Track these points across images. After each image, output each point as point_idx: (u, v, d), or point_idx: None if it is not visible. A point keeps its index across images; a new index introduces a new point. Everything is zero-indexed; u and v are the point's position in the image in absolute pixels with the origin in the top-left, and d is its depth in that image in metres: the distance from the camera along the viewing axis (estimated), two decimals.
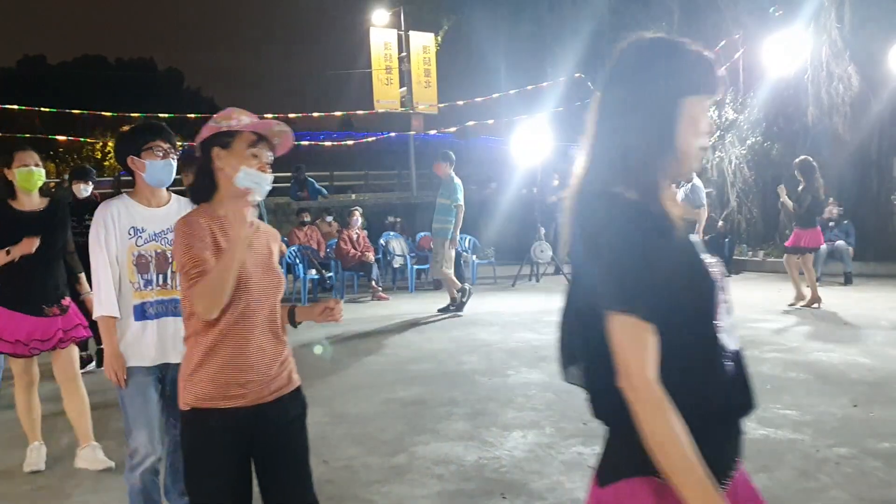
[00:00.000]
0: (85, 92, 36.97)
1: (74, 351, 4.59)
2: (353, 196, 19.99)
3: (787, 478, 4.01)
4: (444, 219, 9.67)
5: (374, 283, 11.53)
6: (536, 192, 13.65)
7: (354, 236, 11.83)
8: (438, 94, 21.02)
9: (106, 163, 39.75)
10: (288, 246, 12.02)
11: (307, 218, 12.91)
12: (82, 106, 22.92)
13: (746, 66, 15.07)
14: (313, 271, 11.77)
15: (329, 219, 13.94)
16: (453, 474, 4.17)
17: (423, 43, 20.51)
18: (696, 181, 10.59)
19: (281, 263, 11.74)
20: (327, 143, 21.57)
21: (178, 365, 2.85)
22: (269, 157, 2.44)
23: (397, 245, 12.84)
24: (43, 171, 4.40)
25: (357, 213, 12.07)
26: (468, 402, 5.61)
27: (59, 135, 21.39)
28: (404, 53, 20.20)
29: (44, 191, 4.56)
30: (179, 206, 3.30)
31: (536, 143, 13.04)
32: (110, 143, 37.46)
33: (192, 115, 24.00)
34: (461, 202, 9.60)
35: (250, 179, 2.36)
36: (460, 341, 7.79)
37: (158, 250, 3.24)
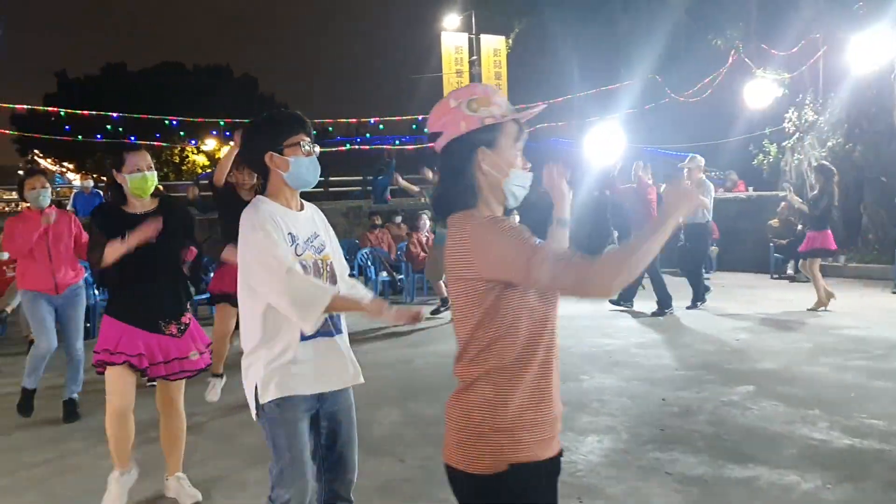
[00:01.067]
0: (163, 97, 38.19)
1: (182, 384, 4.01)
2: (423, 199, 20.12)
3: (874, 489, 3.90)
4: None
5: (444, 286, 11.59)
6: (609, 194, 13.51)
7: (424, 239, 11.92)
8: (509, 97, 21.02)
9: (184, 167, 41.07)
10: (359, 248, 12.24)
11: (378, 221, 13.11)
12: (161, 111, 23.72)
13: (827, 65, 14.63)
14: (385, 273, 11.93)
15: (398, 220, 14.10)
16: None
17: (494, 46, 20.57)
18: (706, 182, 10.35)
19: (352, 266, 11.95)
20: (404, 147, 21.82)
21: (338, 394, 2.78)
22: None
23: None
24: (155, 174, 3.89)
25: (425, 216, 12.16)
26: None
27: (141, 140, 22.13)
28: (475, 57, 20.27)
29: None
30: (313, 211, 2.91)
31: (609, 144, 12.93)
32: (188, 148, 38.74)
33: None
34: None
35: (518, 182, 2.00)
36: None
37: (315, 260, 2.76)
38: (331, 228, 2.93)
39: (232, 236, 4.89)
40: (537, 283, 1.83)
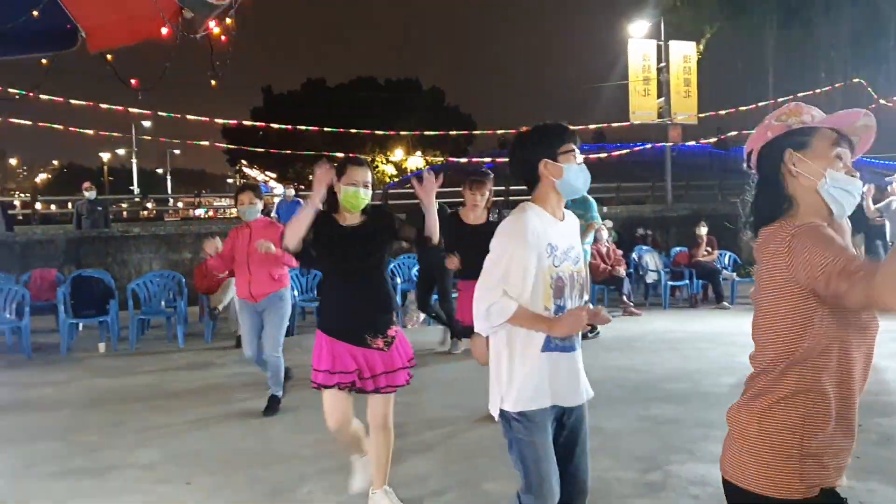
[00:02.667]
0: (358, 111, 40.19)
1: (391, 398, 3.97)
2: (605, 209, 19.89)
3: None
4: None
5: (625, 297, 11.40)
6: None
7: (604, 250, 11.79)
8: (698, 104, 20.36)
9: (373, 176, 43.05)
10: None
11: None
12: (355, 123, 25.04)
13: None
14: None
15: None
16: (710, 496, 4.07)
17: (684, 52, 19.99)
18: None
19: None
20: (587, 156, 21.71)
21: (575, 407, 2.87)
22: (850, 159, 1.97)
23: (651, 259, 12.59)
24: (369, 193, 3.88)
25: (604, 227, 12.00)
26: (725, 424, 5.41)
27: (336, 151, 23.45)
28: (663, 64, 19.79)
29: None
30: (571, 218, 2.95)
31: None
32: (378, 158, 40.56)
33: (454, 132, 25.31)
34: (598, 220, 9.20)
35: (838, 186, 1.91)
36: (718, 362, 7.53)
37: (571, 272, 2.82)
38: (578, 240, 2.98)
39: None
40: (835, 294, 1.73)
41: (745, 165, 2.07)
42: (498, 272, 2.70)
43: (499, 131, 24.23)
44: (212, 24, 3.18)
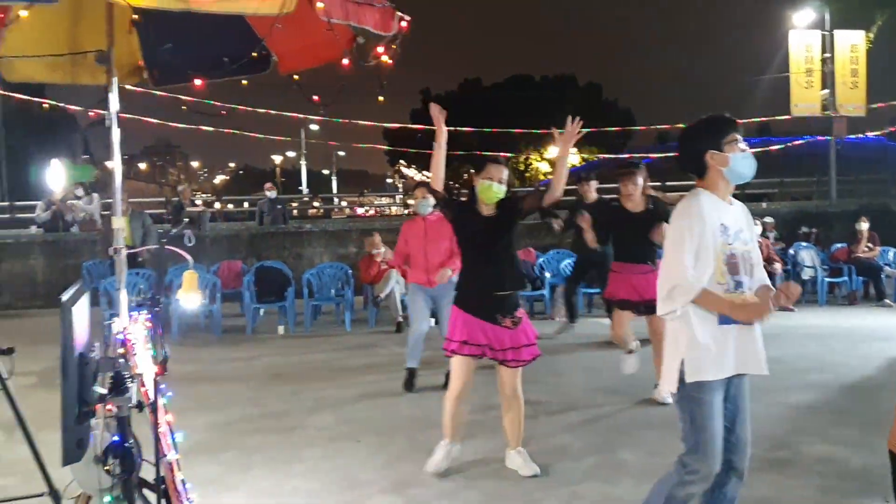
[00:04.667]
0: (514, 109, 40.61)
1: (518, 372, 4.46)
2: (765, 205, 19.34)
3: None
4: None
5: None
6: None
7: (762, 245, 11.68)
8: (869, 95, 19.32)
9: (527, 174, 43.40)
10: None
11: None
12: (511, 122, 25.53)
13: None
14: None
15: None
16: (834, 473, 4.30)
17: (851, 41, 19.03)
18: None
19: None
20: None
21: (740, 378, 3.11)
22: None
23: (807, 256, 12.31)
24: (504, 189, 4.32)
25: (758, 222, 11.84)
26: (863, 412, 5.53)
27: (490, 150, 24.03)
28: (828, 54, 18.97)
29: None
30: (741, 206, 3.18)
31: None
32: (533, 156, 40.89)
33: (613, 129, 25.23)
34: None
35: None
36: (868, 357, 7.48)
37: (743, 251, 3.06)
38: (752, 225, 3.28)
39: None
40: None
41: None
42: (679, 253, 2.96)
43: (655, 126, 23.99)
44: (380, 48, 3.80)
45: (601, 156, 33.76)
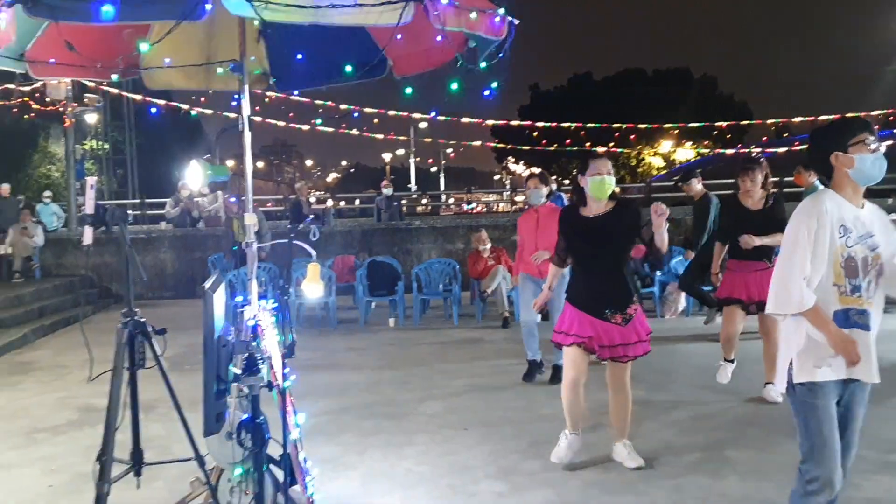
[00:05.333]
0: (625, 104, 39.96)
1: (627, 366, 4.57)
2: (890, 201, 18.35)
3: None
4: None
5: None
6: None
7: None
8: None
9: (640, 169, 42.64)
10: None
11: None
12: (622, 116, 25.19)
13: None
14: None
15: None
16: None
17: None
18: None
19: None
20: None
21: (857, 384, 3.01)
22: None
23: None
24: (613, 180, 4.44)
25: None
26: None
27: (599, 146, 23.80)
28: None
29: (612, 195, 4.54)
30: (874, 209, 3.08)
31: None
32: (645, 151, 40.13)
33: (723, 123, 24.51)
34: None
35: None
36: None
37: (865, 255, 2.97)
38: (892, 230, 3.09)
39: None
40: None
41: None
42: (796, 256, 2.92)
43: (771, 120, 23.16)
44: (490, 52, 3.96)
45: (715, 151, 32.80)
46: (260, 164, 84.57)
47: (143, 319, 3.17)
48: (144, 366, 3.13)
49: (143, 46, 3.59)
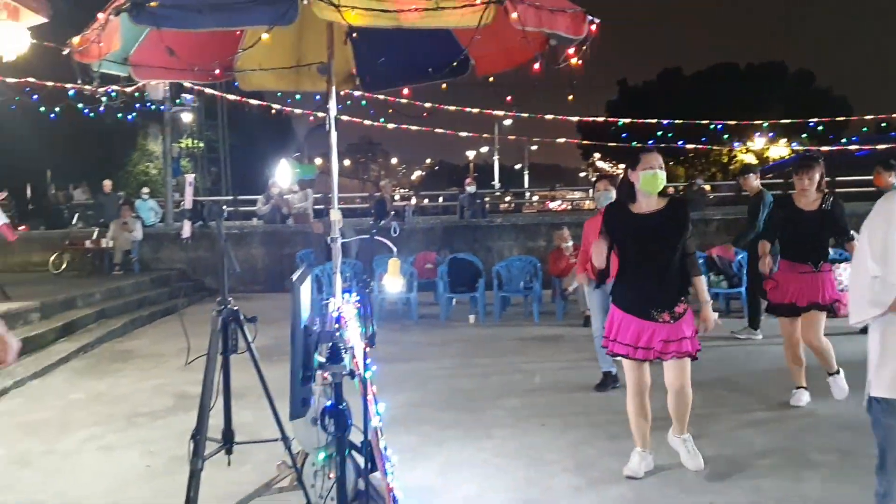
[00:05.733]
0: (717, 99, 38.99)
1: (685, 362, 4.37)
2: None
3: None
4: None
5: None
6: None
7: None
8: None
9: (731, 167, 41.52)
10: None
11: None
12: (712, 112, 24.60)
13: None
14: None
15: None
16: None
17: None
18: None
19: None
20: None
21: None
22: None
23: None
24: (664, 175, 4.31)
25: None
26: None
27: (688, 143, 23.33)
28: None
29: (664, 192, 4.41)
30: None
31: None
32: (737, 150, 39.09)
33: (815, 120, 23.66)
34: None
35: None
36: None
37: None
38: None
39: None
40: None
41: None
42: (874, 260, 2.80)
43: (869, 116, 22.21)
44: (571, 50, 4.01)
45: (811, 148, 31.68)
46: (346, 162, 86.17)
47: (235, 308, 3.35)
48: (237, 351, 3.31)
49: (240, 52, 3.80)
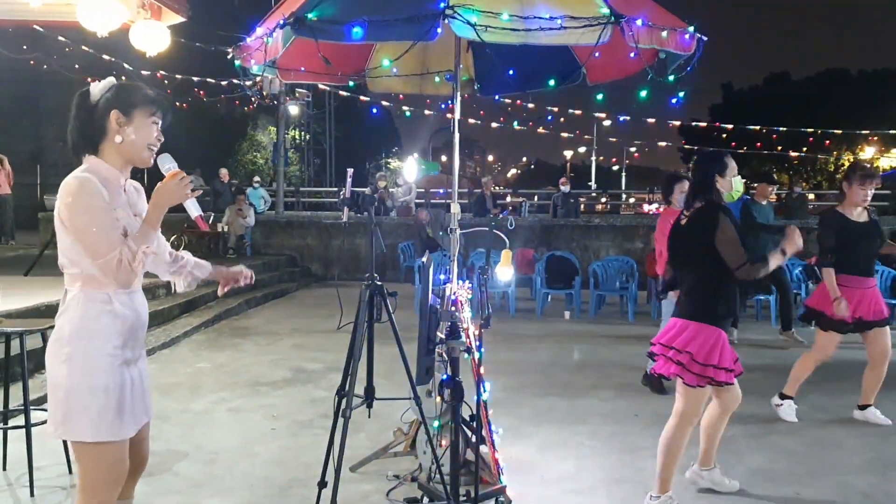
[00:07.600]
0: (825, 106, 37.78)
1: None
2: None
3: None
4: None
5: None
6: None
7: None
8: None
9: (838, 175, 40.12)
10: None
11: None
12: (821, 120, 23.98)
13: None
14: None
15: None
16: None
17: None
18: None
19: None
20: None
21: None
22: None
23: None
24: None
25: None
26: None
27: (793, 150, 22.88)
28: None
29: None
30: None
31: None
32: (845, 156, 37.75)
33: None
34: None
35: None
36: None
37: None
38: None
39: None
40: None
41: None
42: None
43: None
44: (679, 64, 4.32)
45: None
46: (444, 159, 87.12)
47: (380, 283, 3.81)
48: (380, 320, 3.77)
49: (385, 62, 4.29)
